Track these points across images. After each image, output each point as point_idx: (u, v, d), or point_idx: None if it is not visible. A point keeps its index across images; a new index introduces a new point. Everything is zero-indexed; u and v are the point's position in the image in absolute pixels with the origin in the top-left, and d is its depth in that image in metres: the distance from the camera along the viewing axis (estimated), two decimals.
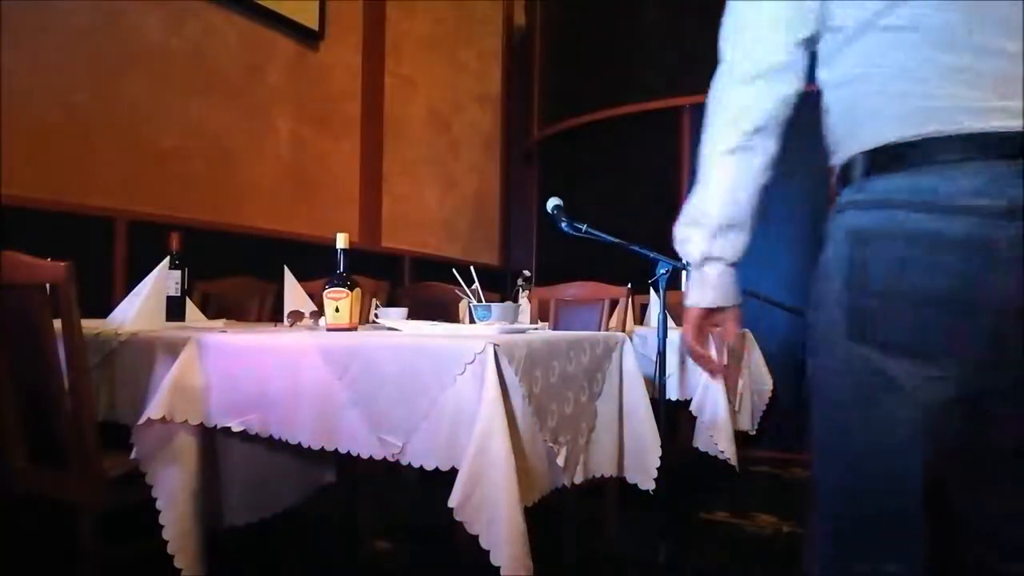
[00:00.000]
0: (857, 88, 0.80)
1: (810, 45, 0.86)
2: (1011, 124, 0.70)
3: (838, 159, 0.84)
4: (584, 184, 4.28)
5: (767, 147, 0.90)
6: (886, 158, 0.77)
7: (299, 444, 1.29)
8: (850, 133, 0.82)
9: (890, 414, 0.75)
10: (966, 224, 0.71)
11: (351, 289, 1.51)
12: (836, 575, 0.80)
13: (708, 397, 2.50)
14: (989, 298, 0.71)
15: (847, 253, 0.78)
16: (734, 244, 0.94)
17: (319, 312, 1.76)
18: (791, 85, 0.88)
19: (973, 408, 0.74)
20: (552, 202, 1.95)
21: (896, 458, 0.76)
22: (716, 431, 2.46)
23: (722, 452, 2.45)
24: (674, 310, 3.17)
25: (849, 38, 0.80)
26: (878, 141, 0.77)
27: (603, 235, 1.89)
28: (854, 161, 0.81)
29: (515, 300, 2.86)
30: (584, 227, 1.89)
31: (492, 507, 1.08)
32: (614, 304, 2.47)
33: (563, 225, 1.92)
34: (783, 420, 3.41)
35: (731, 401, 2.70)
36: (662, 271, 1.90)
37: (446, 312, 2.75)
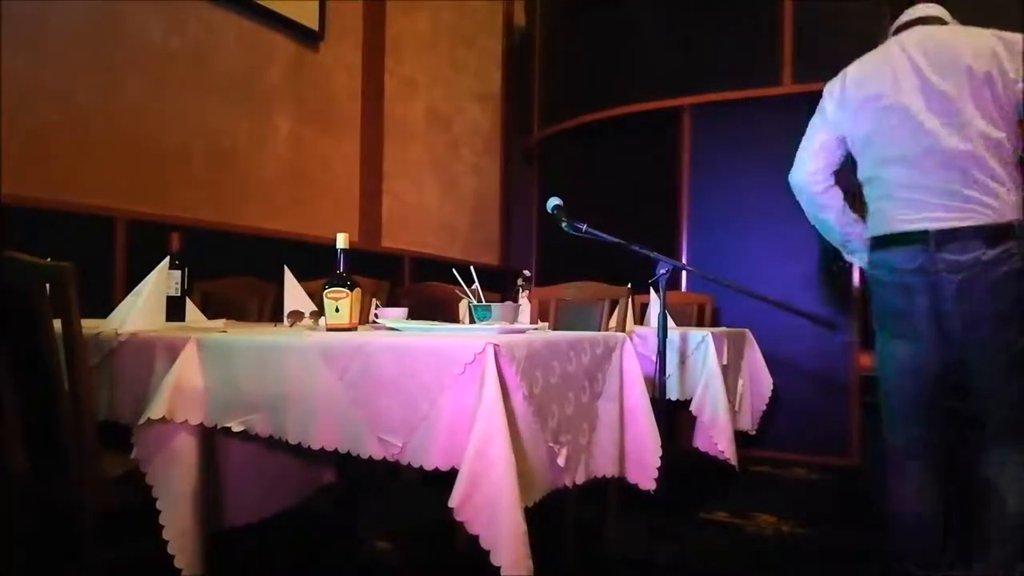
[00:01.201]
0: (868, 205, 1.74)
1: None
2: (919, 227, 1.58)
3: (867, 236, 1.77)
4: (584, 184, 4.28)
5: (826, 218, 1.86)
6: (875, 243, 1.70)
7: (299, 444, 1.29)
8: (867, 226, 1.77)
9: (899, 357, 1.68)
10: (900, 277, 1.63)
11: (351, 289, 1.51)
12: (892, 435, 1.73)
13: (708, 397, 2.50)
14: (914, 312, 1.62)
15: (872, 294, 1.76)
16: (855, 246, 1.85)
17: (319, 312, 1.76)
18: (831, 191, 1.85)
19: (925, 358, 1.64)
20: (552, 202, 1.95)
21: (905, 376, 1.67)
22: (716, 431, 2.46)
23: (722, 452, 2.45)
24: (674, 310, 3.17)
25: (864, 180, 1.74)
26: (874, 233, 1.71)
27: (603, 235, 1.89)
28: (868, 242, 1.74)
29: (515, 300, 2.86)
30: (584, 227, 1.89)
31: (492, 507, 1.08)
32: (614, 304, 2.47)
33: (563, 225, 1.92)
34: (783, 420, 3.41)
35: (731, 401, 2.70)
36: (662, 271, 1.89)
37: (446, 312, 2.75)
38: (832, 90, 1.78)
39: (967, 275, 1.52)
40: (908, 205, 1.60)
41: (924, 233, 1.56)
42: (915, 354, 1.64)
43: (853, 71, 1.74)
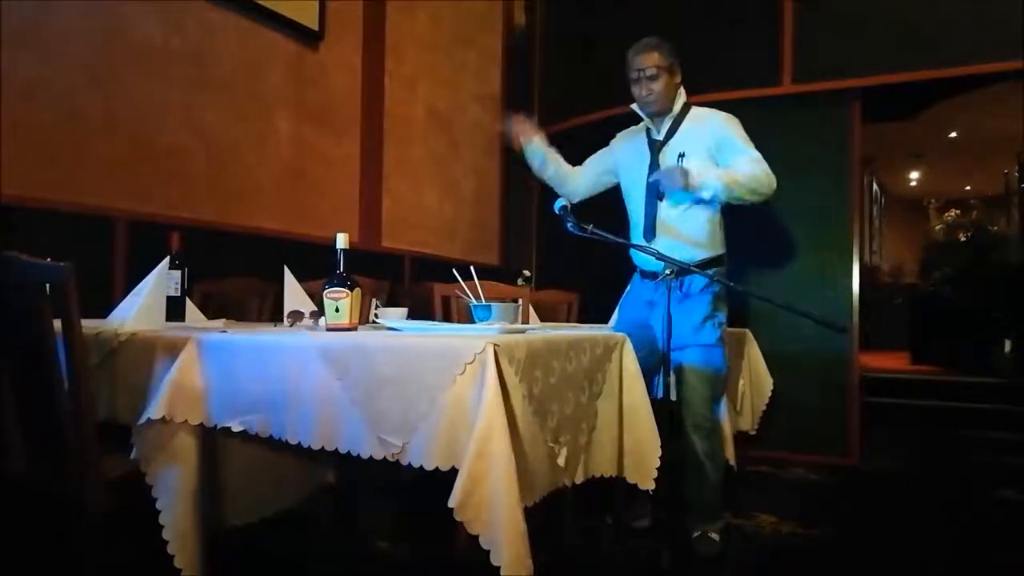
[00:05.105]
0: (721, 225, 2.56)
1: None
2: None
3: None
4: None
5: None
6: (723, 260, 2.49)
7: (299, 444, 1.29)
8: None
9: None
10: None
11: (351, 289, 1.51)
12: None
13: None
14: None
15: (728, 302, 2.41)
16: None
17: (319, 312, 1.76)
18: None
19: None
20: (559, 203, 1.95)
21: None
22: None
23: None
24: None
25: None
26: (723, 250, 2.50)
27: (608, 235, 1.89)
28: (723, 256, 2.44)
29: (515, 300, 2.85)
30: (590, 227, 1.89)
31: (492, 507, 1.08)
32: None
33: (568, 225, 1.91)
34: (783, 420, 3.41)
35: (731, 401, 2.70)
36: (665, 271, 1.89)
37: (446, 312, 2.75)
38: None
39: None
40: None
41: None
42: None
43: None
